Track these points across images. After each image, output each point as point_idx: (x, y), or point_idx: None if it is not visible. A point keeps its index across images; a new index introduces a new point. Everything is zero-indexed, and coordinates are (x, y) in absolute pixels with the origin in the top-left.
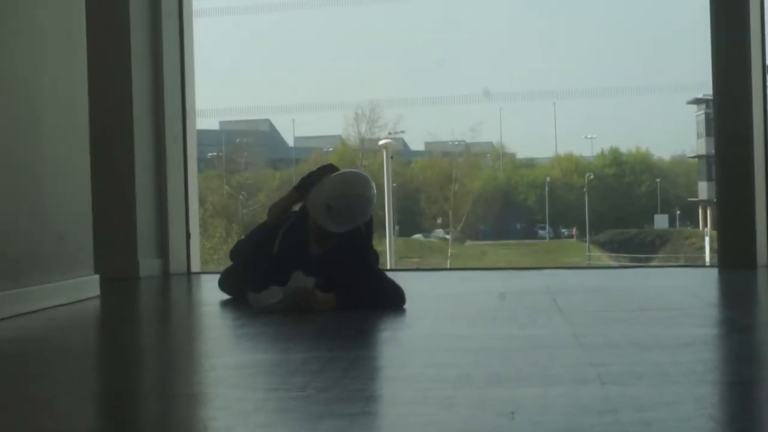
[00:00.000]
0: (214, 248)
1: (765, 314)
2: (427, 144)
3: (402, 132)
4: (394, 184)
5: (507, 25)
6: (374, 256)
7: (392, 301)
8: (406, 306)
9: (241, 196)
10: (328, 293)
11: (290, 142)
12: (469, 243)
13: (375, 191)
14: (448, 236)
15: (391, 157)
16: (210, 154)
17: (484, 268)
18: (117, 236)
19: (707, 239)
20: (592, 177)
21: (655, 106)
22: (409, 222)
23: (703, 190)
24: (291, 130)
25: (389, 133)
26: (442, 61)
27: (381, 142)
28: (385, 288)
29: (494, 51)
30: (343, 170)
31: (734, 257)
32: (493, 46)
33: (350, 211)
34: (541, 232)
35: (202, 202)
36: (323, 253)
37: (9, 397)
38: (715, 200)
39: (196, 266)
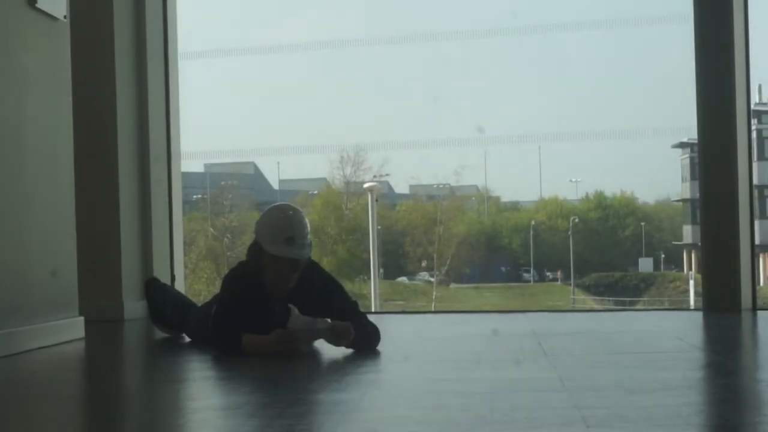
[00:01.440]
0: (202, 291)
1: (750, 358)
2: (411, 187)
3: (387, 175)
4: (379, 227)
5: (492, 69)
6: (338, 283)
7: (374, 338)
8: (389, 348)
9: (226, 239)
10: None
11: (275, 185)
12: (453, 286)
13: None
14: (432, 279)
15: (376, 200)
16: (195, 196)
17: (469, 311)
18: (102, 278)
19: (692, 282)
20: (576, 220)
21: (640, 149)
22: (394, 265)
23: (688, 233)
24: (276, 172)
25: (374, 176)
26: (436, 98)
27: (366, 185)
28: (367, 326)
29: (480, 95)
30: (265, 212)
31: (719, 301)
32: (479, 90)
33: (304, 228)
34: (525, 275)
35: (189, 244)
36: (283, 301)
37: None
38: (699, 244)
39: None
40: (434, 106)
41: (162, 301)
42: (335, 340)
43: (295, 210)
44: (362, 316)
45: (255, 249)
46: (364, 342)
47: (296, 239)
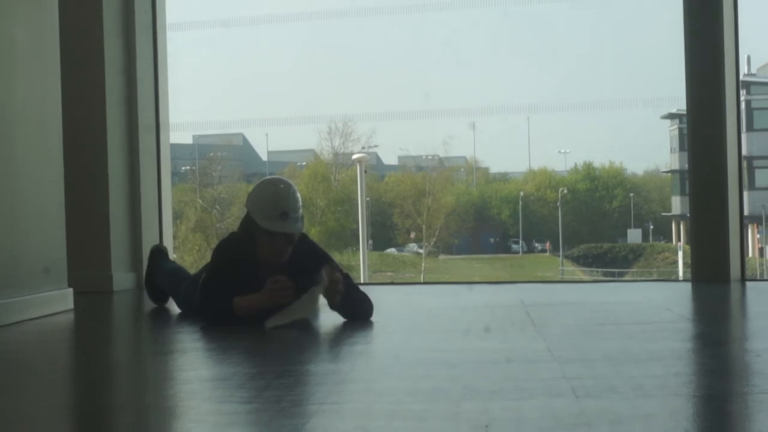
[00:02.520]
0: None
1: (738, 328)
2: (400, 158)
3: (375, 146)
4: (368, 198)
5: (481, 40)
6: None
7: (368, 307)
8: (377, 318)
9: (215, 210)
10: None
11: (264, 156)
12: (442, 257)
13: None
14: (421, 251)
15: (365, 171)
16: (183, 167)
17: (457, 282)
18: (90, 250)
19: (680, 254)
20: (565, 192)
21: (629, 120)
22: (383, 236)
23: (677, 204)
24: (264, 144)
25: (363, 148)
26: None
27: (354, 157)
28: (364, 300)
29: (468, 66)
30: (256, 187)
31: (708, 271)
32: (468, 61)
33: (296, 202)
34: (514, 246)
35: (178, 216)
36: (273, 273)
37: None
38: (688, 215)
39: None
40: (423, 78)
41: (160, 265)
42: (331, 290)
43: (287, 183)
44: (355, 287)
45: (247, 222)
46: (359, 310)
47: (290, 214)
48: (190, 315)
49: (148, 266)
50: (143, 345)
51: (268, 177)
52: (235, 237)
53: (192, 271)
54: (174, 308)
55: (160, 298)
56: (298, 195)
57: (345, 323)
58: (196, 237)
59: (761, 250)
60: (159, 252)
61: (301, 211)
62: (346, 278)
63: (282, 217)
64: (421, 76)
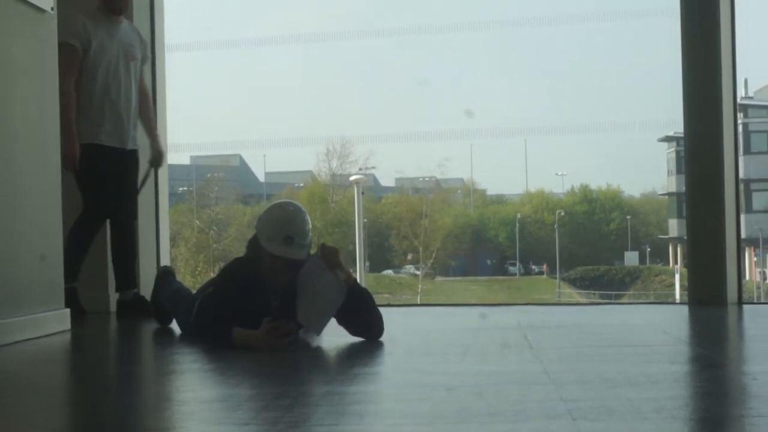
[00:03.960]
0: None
1: (735, 351)
2: (397, 180)
3: (373, 168)
4: (365, 220)
5: (480, 62)
6: None
7: (378, 325)
8: (375, 340)
9: (212, 231)
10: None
11: (261, 178)
12: (439, 279)
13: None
14: (418, 272)
15: (362, 193)
16: (181, 188)
17: (454, 304)
18: (88, 270)
19: (677, 276)
20: (562, 214)
21: (626, 143)
22: (380, 258)
23: (674, 227)
24: (262, 165)
25: (360, 169)
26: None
27: (352, 178)
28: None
29: (466, 88)
30: (267, 208)
31: (704, 294)
32: (466, 83)
33: (305, 226)
34: (511, 268)
35: (175, 237)
36: (282, 297)
37: None
38: (685, 237)
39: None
40: (421, 99)
41: (166, 284)
42: (329, 259)
43: (297, 208)
44: (374, 305)
45: (254, 243)
46: (373, 326)
47: (295, 239)
48: (188, 335)
49: (154, 286)
50: (140, 365)
51: (280, 200)
52: (243, 258)
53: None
54: (174, 329)
55: (164, 319)
56: (308, 221)
57: (344, 345)
58: (194, 258)
59: (762, 274)
60: (165, 272)
61: (309, 238)
62: (364, 293)
63: (287, 242)
64: (419, 97)
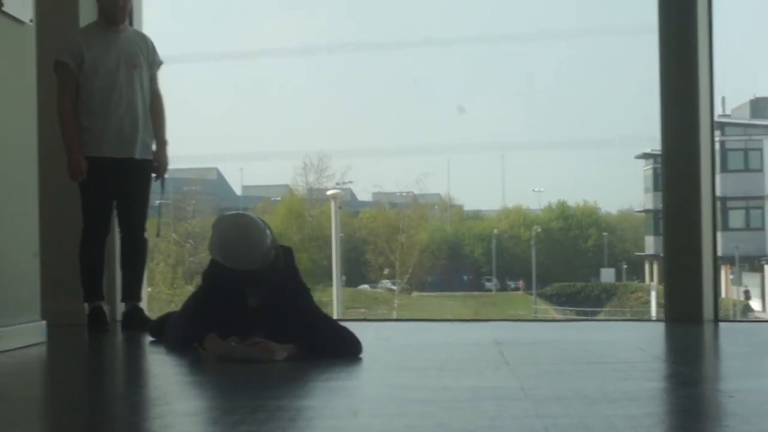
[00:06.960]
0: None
1: (711, 368)
2: (374, 194)
3: (350, 182)
4: (342, 234)
5: (457, 78)
6: (309, 294)
7: (351, 349)
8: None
9: (188, 244)
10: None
11: (238, 191)
12: (415, 294)
13: (258, 232)
14: (394, 287)
15: (339, 208)
16: (157, 201)
17: (430, 320)
18: (64, 282)
19: (654, 293)
20: (539, 230)
21: (603, 160)
22: (356, 272)
23: (650, 244)
24: (239, 178)
25: (337, 184)
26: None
27: (329, 192)
28: (344, 337)
29: (444, 103)
30: (219, 218)
31: (681, 311)
32: (443, 99)
33: (247, 256)
34: (487, 284)
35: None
36: (260, 302)
37: None
38: (662, 255)
39: None
40: (398, 113)
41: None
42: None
43: (243, 237)
44: (333, 327)
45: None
46: (338, 350)
47: (233, 260)
48: (173, 347)
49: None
50: (116, 378)
51: (236, 215)
52: (216, 261)
53: (171, 305)
54: (148, 342)
55: (159, 334)
56: (252, 241)
57: (321, 359)
58: (170, 271)
59: (746, 293)
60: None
61: (259, 253)
62: (324, 321)
63: (224, 260)
64: (395, 112)
